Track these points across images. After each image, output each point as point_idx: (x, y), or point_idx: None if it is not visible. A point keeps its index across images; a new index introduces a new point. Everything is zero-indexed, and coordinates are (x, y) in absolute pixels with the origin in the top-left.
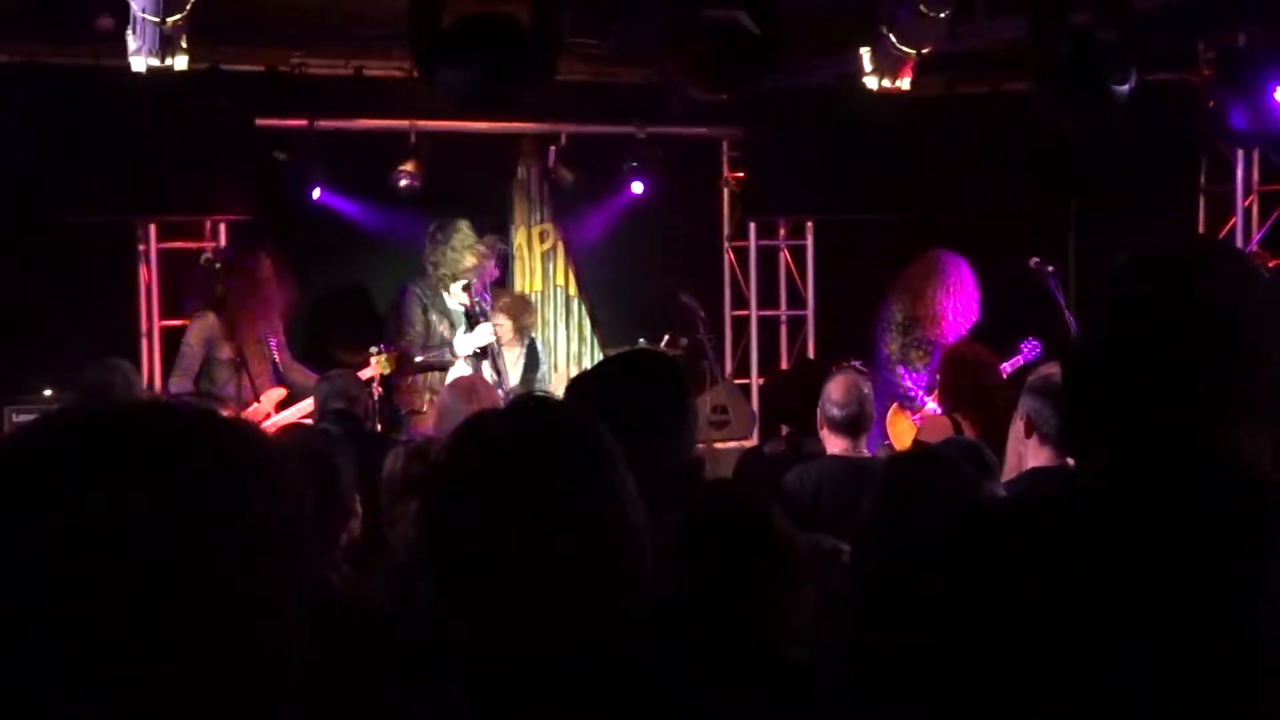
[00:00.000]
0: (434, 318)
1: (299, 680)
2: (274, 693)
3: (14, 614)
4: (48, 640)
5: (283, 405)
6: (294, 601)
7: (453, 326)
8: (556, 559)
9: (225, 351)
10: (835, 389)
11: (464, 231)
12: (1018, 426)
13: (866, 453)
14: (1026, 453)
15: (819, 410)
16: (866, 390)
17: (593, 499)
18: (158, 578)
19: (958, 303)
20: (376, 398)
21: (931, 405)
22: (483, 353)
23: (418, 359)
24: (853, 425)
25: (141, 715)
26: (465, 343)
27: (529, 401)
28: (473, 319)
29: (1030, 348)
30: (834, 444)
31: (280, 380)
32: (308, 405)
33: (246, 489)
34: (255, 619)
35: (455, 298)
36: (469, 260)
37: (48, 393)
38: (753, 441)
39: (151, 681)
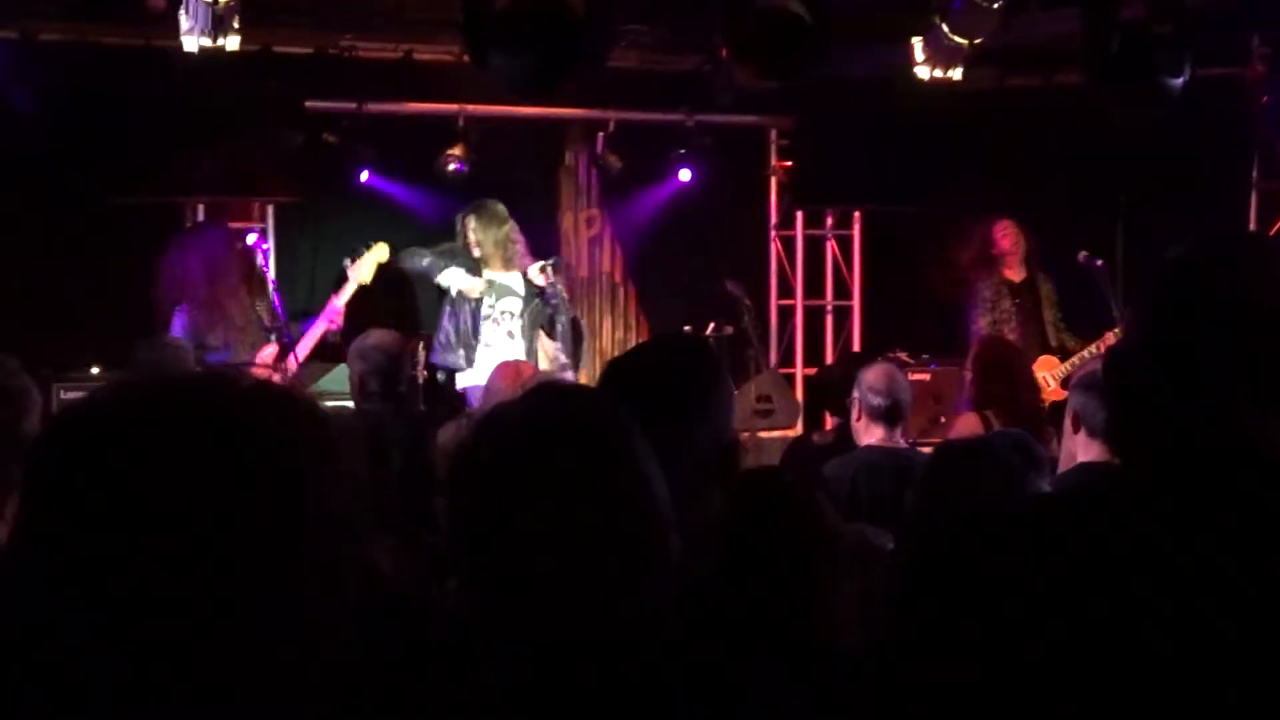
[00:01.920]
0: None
1: (350, 656)
2: (329, 665)
3: (73, 585)
4: (109, 609)
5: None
6: (350, 574)
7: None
8: (577, 541)
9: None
10: (874, 378)
11: (493, 207)
12: (1067, 422)
13: (903, 443)
14: (1076, 448)
15: (857, 400)
16: (904, 380)
17: (613, 480)
18: (216, 549)
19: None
20: (422, 377)
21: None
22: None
23: (410, 258)
24: (892, 415)
25: (196, 686)
26: (455, 278)
27: (547, 387)
28: (547, 303)
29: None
30: (872, 433)
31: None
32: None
33: (305, 460)
34: (313, 591)
35: (534, 279)
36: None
37: (95, 371)
38: (797, 431)
39: (207, 652)
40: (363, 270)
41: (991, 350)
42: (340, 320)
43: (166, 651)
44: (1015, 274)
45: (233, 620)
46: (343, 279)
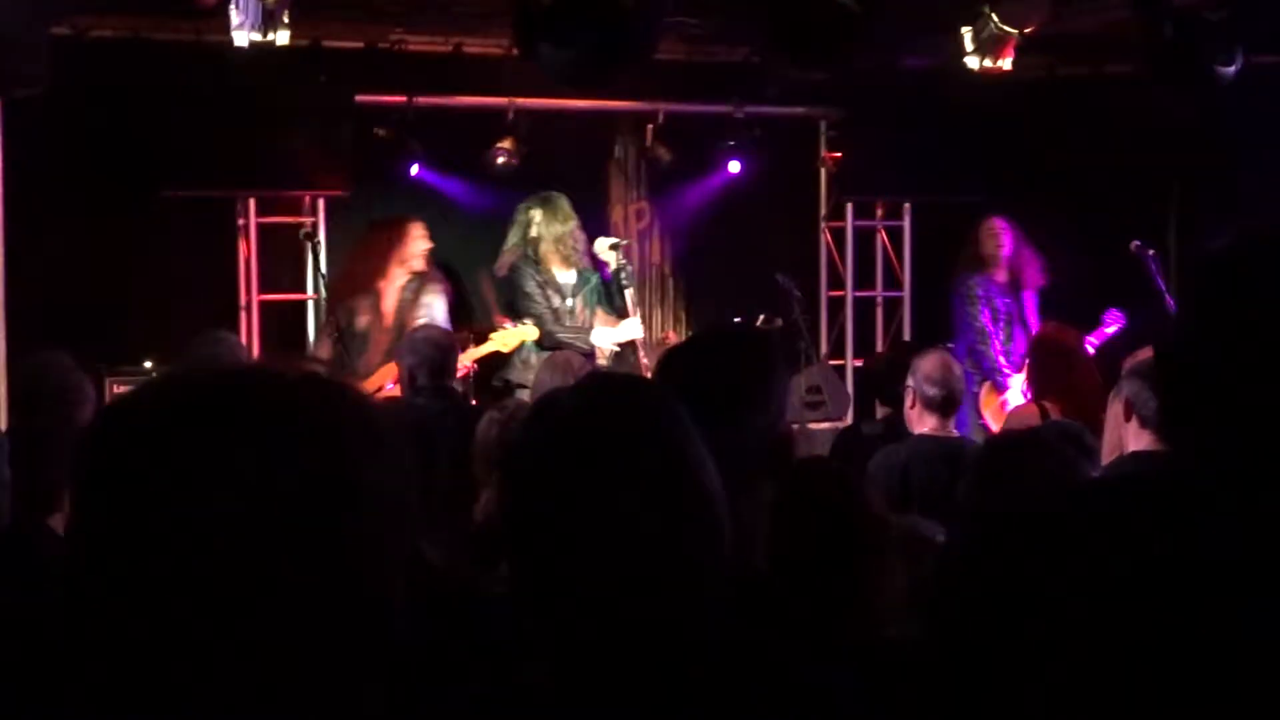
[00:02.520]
0: (551, 293)
1: (397, 649)
2: (380, 651)
3: (126, 576)
4: (159, 596)
5: None
6: (398, 562)
7: (563, 299)
8: (628, 532)
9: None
10: (930, 367)
11: (558, 202)
12: (1117, 409)
13: (955, 433)
14: (1127, 436)
15: (911, 388)
16: (957, 370)
17: (664, 471)
18: (265, 539)
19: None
20: (471, 374)
21: (1013, 396)
22: (622, 349)
23: (559, 335)
24: (946, 404)
25: (244, 678)
26: (604, 336)
27: (598, 377)
28: (618, 281)
29: (1113, 318)
30: (925, 423)
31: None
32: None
33: (354, 452)
34: (362, 578)
35: (602, 255)
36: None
37: (148, 364)
38: (847, 422)
39: (260, 637)
40: (507, 340)
41: (1051, 339)
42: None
43: (217, 635)
44: (1003, 275)
45: (282, 605)
46: (483, 338)
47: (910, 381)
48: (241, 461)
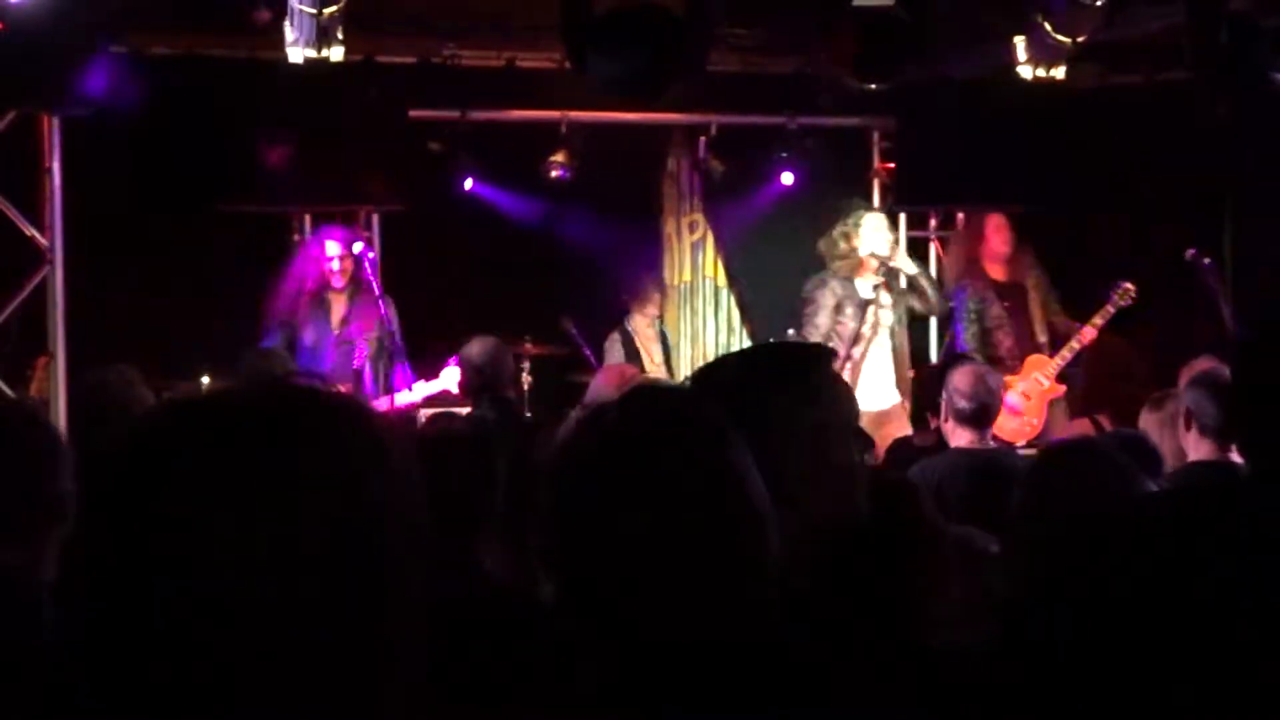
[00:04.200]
0: (848, 309)
1: (420, 661)
2: (394, 669)
3: (131, 596)
4: (165, 621)
5: None
6: (409, 575)
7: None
8: (674, 542)
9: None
10: (961, 380)
11: (869, 215)
12: (1162, 417)
13: (992, 444)
14: (1187, 446)
15: (944, 402)
16: (994, 383)
17: (707, 483)
18: (270, 558)
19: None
20: (528, 386)
21: (1013, 398)
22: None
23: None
24: (979, 417)
25: (256, 694)
26: None
27: (644, 389)
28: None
29: (1119, 290)
30: (960, 436)
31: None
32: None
33: (358, 468)
34: (369, 597)
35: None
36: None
37: (205, 380)
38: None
39: (268, 649)
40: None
41: (1102, 350)
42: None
43: (227, 654)
44: (1000, 273)
45: (291, 622)
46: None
47: (944, 395)
48: (243, 482)
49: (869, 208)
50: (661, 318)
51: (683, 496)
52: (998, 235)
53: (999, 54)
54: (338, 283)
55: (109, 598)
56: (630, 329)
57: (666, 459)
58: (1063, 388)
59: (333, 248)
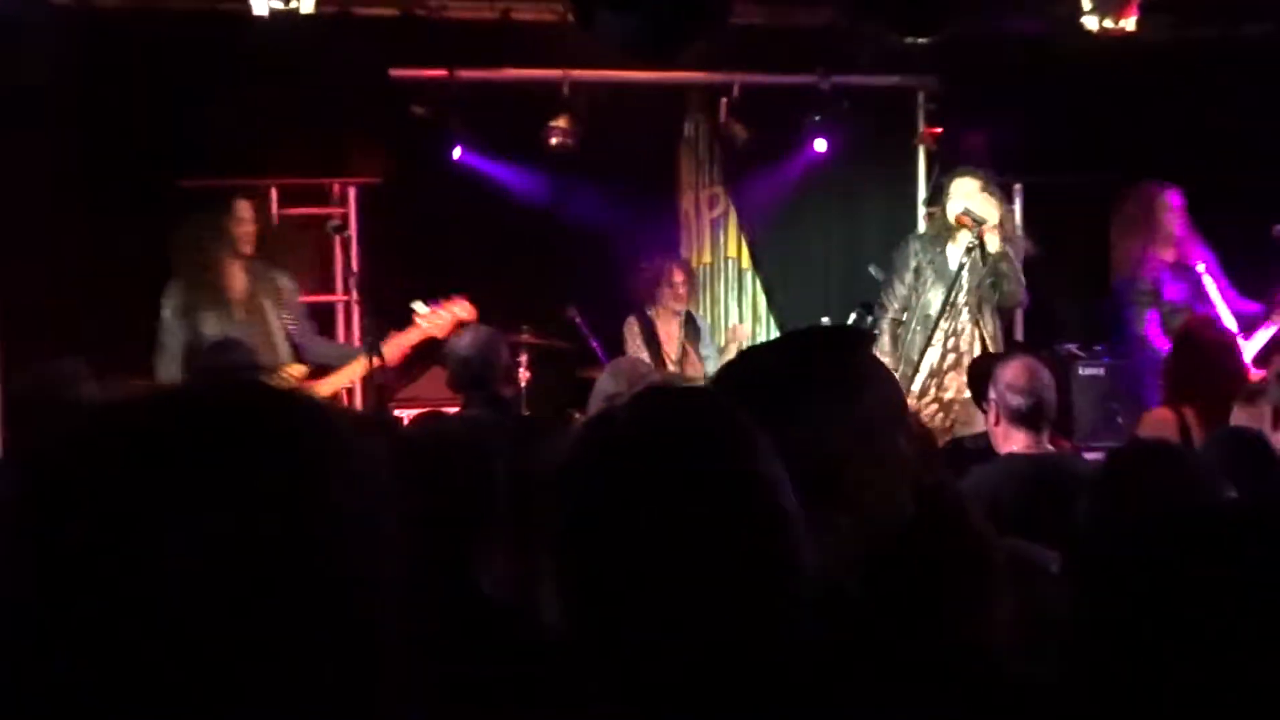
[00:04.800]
0: (928, 275)
1: (400, 674)
2: (363, 682)
3: (73, 602)
4: (116, 633)
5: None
6: (379, 591)
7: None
8: (693, 551)
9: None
10: (1014, 375)
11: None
12: (1265, 416)
13: (1050, 448)
14: (1275, 446)
15: (994, 401)
16: (1047, 376)
17: (729, 490)
18: (226, 565)
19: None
20: (525, 382)
21: None
22: None
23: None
24: (1035, 417)
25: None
26: None
27: (658, 389)
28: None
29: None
30: (1013, 439)
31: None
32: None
33: (317, 470)
34: (330, 611)
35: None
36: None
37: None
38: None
39: (225, 671)
40: (437, 322)
41: (1197, 334)
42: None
43: (180, 666)
44: (1172, 255)
45: (249, 633)
46: (409, 322)
47: (992, 393)
48: (191, 483)
49: (969, 171)
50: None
51: (705, 506)
52: (1170, 215)
53: (1061, 4)
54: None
55: (46, 605)
56: (651, 315)
57: (682, 463)
58: (1262, 373)
59: (244, 209)
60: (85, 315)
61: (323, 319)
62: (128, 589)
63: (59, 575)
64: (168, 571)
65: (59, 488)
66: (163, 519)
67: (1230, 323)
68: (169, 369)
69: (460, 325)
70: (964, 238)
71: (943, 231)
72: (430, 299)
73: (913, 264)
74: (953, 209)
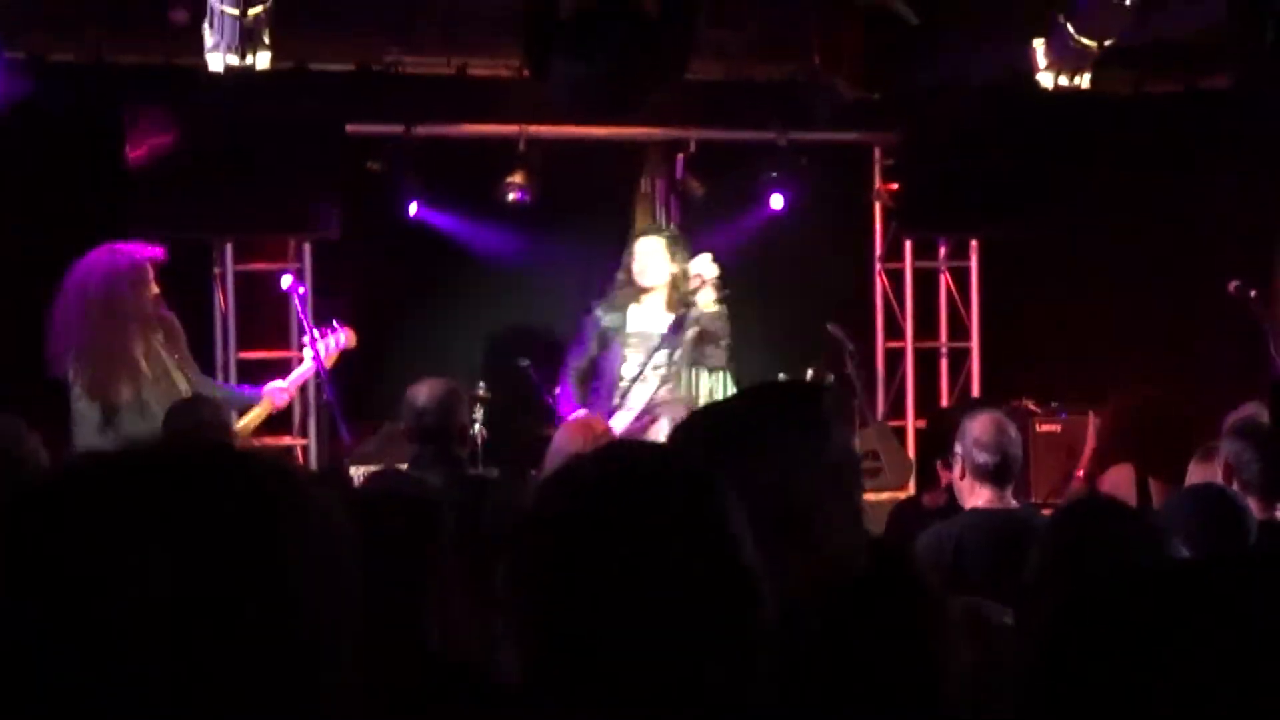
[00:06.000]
0: (616, 343)
1: None
2: None
3: (39, 660)
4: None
5: None
6: (340, 647)
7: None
8: (656, 609)
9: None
10: (981, 430)
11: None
12: (1214, 473)
13: (1014, 504)
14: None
15: (960, 456)
16: (1014, 432)
17: (697, 547)
18: (183, 622)
19: None
20: (481, 439)
21: None
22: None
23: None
24: (1001, 473)
25: None
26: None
27: (623, 444)
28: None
29: None
30: (978, 494)
31: None
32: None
33: (280, 529)
34: (295, 665)
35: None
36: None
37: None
38: (909, 491)
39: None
40: (323, 353)
41: (1130, 391)
42: (285, 403)
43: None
44: None
45: (212, 691)
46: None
47: (959, 448)
48: (152, 541)
49: (654, 229)
50: None
51: (665, 560)
52: None
53: (1016, 59)
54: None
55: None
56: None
57: (646, 519)
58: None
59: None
60: (33, 371)
61: (277, 374)
62: (95, 645)
63: (29, 631)
64: (132, 628)
65: (22, 546)
66: (129, 578)
67: None
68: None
69: (343, 354)
70: (653, 299)
71: (630, 295)
72: (318, 326)
73: (595, 332)
74: (638, 269)
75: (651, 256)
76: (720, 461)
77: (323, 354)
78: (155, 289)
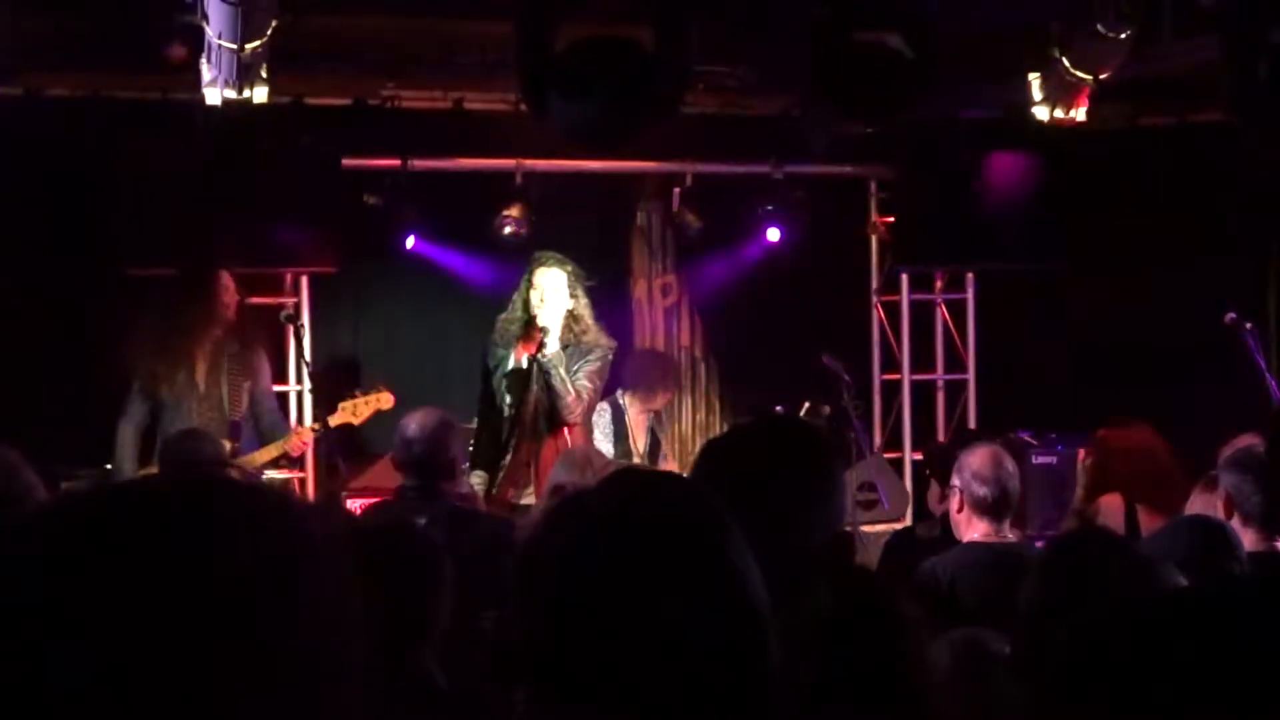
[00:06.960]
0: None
1: None
2: None
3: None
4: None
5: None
6: (349, 686)
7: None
8: (663, 644)
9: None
10: (979, 463)
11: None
12: (1206, 502)
13: (1011, 537)
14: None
15: (958, 489)
16: (1011, 465)
17: (703, 576)
18: (175, 658)
19: None
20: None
21: None
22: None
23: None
24: (1000, 506)
25: None
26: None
27: (627, 473)
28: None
29: None
30: (975, 527)
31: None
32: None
33: (283, 566)
34: (297, 705)
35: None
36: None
37: (110, 466)
38: (906, 523)
39: None
40: (360, 412)
41: (1115, 426)
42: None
43: None
44: None
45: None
46: (332, 409)
47: (956, 481)
48: (154, 578)
49: (555, 260)
50: (659, 413)
51: (675, 598)
52: None
53: (1011, 93)
54: None
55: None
56: (622, 403)
57: (652, 552)
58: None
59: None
60: (31, 403)
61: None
62: (94, 683)
63: (25, 668)
64: (129, 667)
65: (17, 578)
66: (124, 615)
67: None
68: (126, 432)
69: (376, 413)
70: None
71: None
72: (360, 388)
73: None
74: (534, 300)
75: (553, 290)
76: (728, 497)
77: (366, 414)
78: (234, 296)
